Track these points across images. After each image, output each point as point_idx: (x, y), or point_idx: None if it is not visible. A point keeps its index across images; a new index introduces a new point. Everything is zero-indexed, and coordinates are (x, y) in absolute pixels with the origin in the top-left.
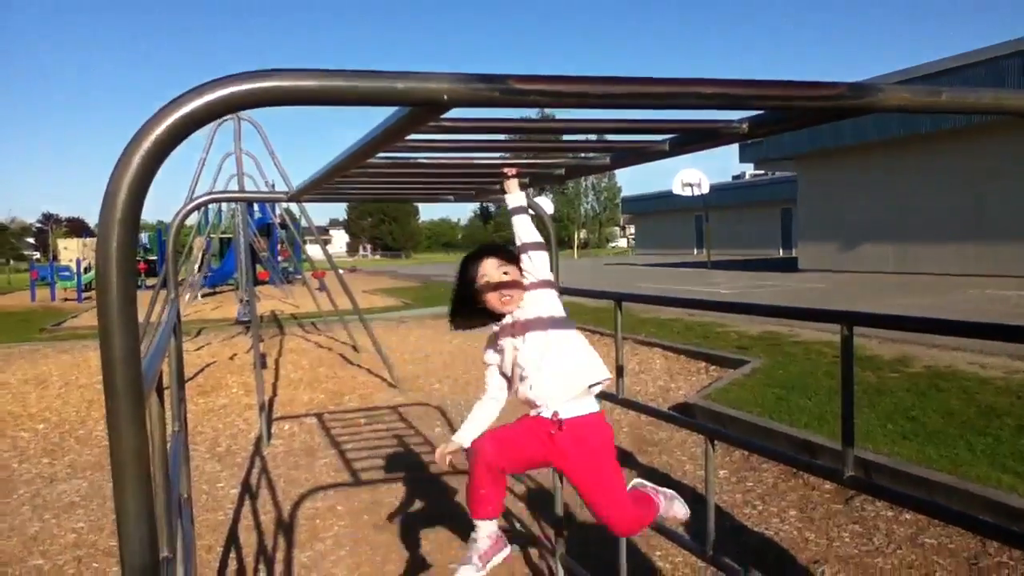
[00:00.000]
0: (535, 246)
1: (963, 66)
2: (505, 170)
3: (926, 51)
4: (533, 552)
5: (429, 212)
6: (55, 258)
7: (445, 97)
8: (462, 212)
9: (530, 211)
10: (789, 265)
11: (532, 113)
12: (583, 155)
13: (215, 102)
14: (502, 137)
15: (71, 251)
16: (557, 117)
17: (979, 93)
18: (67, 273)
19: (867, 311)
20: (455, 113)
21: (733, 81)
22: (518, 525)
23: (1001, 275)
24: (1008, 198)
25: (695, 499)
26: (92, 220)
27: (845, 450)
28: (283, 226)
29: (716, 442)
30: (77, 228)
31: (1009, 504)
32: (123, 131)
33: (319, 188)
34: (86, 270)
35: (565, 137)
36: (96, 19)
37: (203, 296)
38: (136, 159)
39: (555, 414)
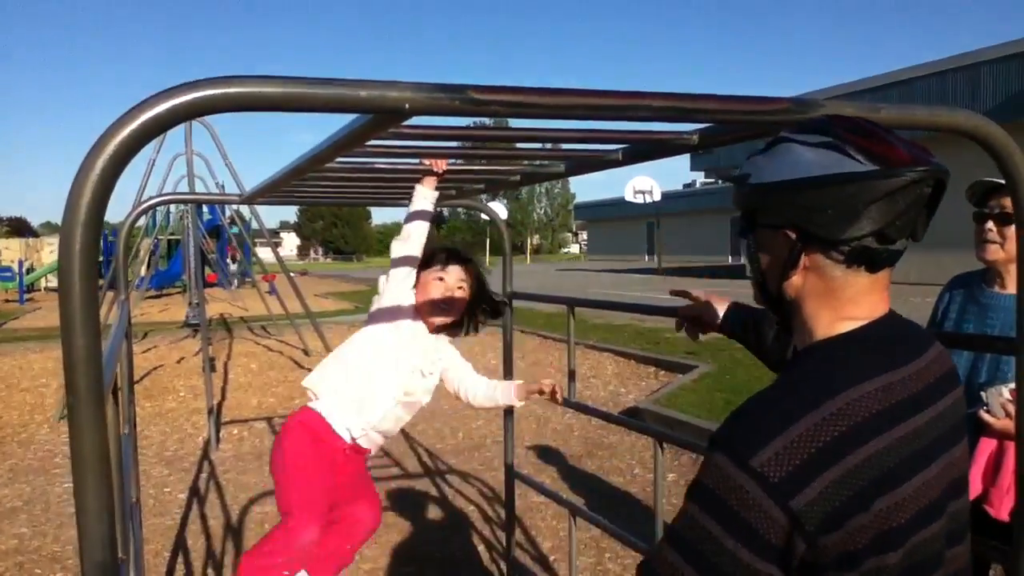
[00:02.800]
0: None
1: (912, 79)
2: (434, 164)
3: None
4: (484, 555)
5: (381, 215)
6: None
7: (407, 106)
8: None
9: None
10: (738, 272)
11: (488, 120)
12: (538, 163)
13: (180, 107)
14: (458, 144)
15: (12, 251)
16: (514, 126)
17: (915, 110)
18: (8, 274)
19: None
20: (414, 120)
21: (682, 95)
22: (471, 531)
23: (942, 284)
24: (949, 208)
25: (645, 502)
26: (35, 220)
27: None
28: (232, 223)
29: (664, 445)
30: (19, 228)
31: None
32: (66, 131)
33: (275, 191)
34: (28, 271)
35: (521, 145)
36: (36, 17)
37: (148, 298)
38: (100, 162)
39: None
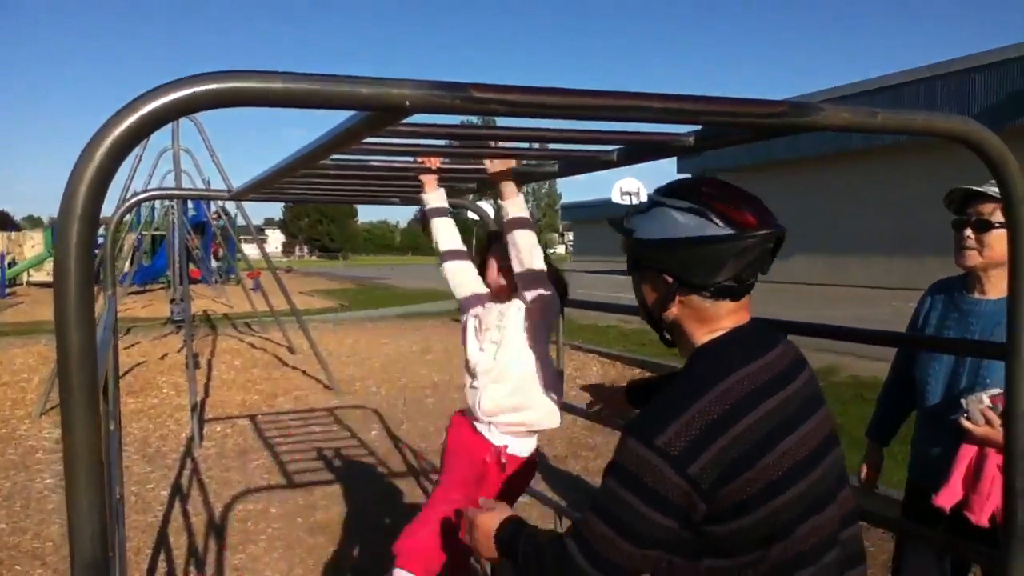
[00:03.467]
0: (458, 254)
1: (901, 84)
2: (430, 163)
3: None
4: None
5: (368, 214)
6: None
7: (407, 103)
8: (401, 214)
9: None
10: None
11: (475, 119)
12: (532, 162)
13: (179, 101)
14: (451, 142)
15: None
16: (508, 124)
17: (912, 115)
18: None
19: (783, 319)
20: (408, 118)
21: (682, 97)
22: None
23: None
24: (933, 213)
25: None
26: (18, 214)
27: None
28: (219, 218)
29: None
30: (1, 222)
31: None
32: (50, 126)
33: (264, 188)
34: (10, 265)
35: (514, 144)
36: (34, 12)
37: (131, 294)
38: (98, 156)
39: (504, 447)
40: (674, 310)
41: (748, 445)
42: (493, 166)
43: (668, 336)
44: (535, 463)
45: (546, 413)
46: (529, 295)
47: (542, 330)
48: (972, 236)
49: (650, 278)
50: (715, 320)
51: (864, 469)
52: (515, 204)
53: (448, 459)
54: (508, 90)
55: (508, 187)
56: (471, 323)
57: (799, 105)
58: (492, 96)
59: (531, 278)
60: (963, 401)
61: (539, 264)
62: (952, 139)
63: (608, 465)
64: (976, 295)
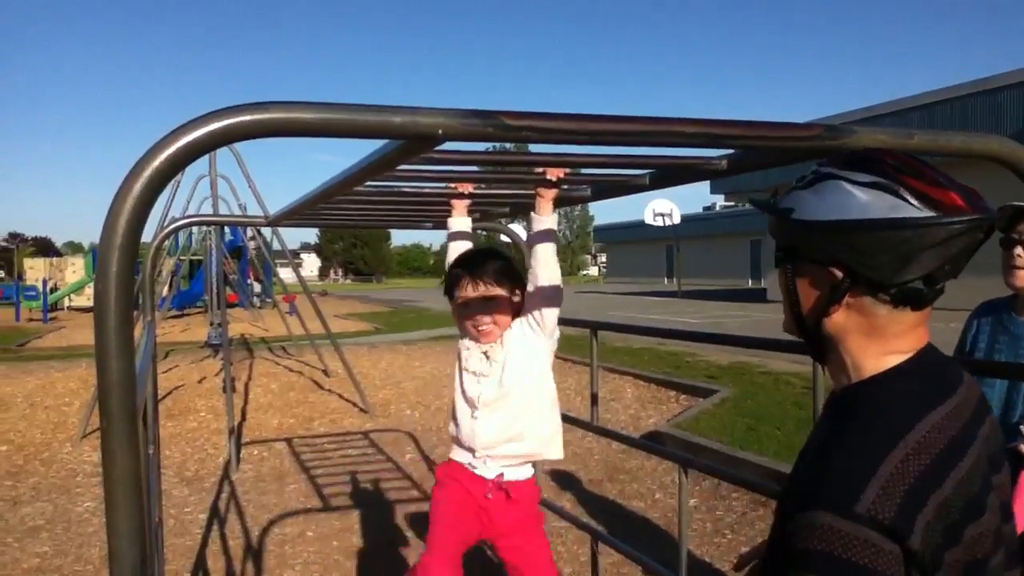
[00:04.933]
0: (554, 290)
1: (933, 103)
2: (462, 188)
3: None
4: None
5: (401, 237)
6: (20, 278)
7: (440, 131)
8: (435, 237)
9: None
10: (758, 296)
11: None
12: (566, 187)
13: (216, 132)
14: (484, 169)
15: (37, 271)
16: (541, 151)
17: (949, 136)
18: (33, 293)
19: None
20: (443, 145)
21: (714, 121)
22: None
23: (963, 308)
24: None
25: (667, 528)
26: (59, 240)
27: None
28: (254, 242)
29: (688, 471)
30: (44, 248)
31: None
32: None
33: (300, 214)
34: (52, 290)
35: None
36: (71, 39)
37: (170, 318)
38: (137, 187)
39: (499, 476)
40: (838, 317)
41: (957, 513)
42: (548, 195)
43: (821, 352)
44: (537, 486)
45: (546, 443)
46: (536, 314)
47: (546, 354)
48: (1023, 255)
49: (809, 272)
50: (890, 337)
51: None
52: (550, 220)
53: (440, 510)
54: (540, 117)
55: (548, 206)
56: (475, 351)
57: (833, 128)
58: (524, 124)
59: (543, 295)
60: (1022, 428)
61: (556, 280)
62: (989, 159)
63: (792, 557)
64: None
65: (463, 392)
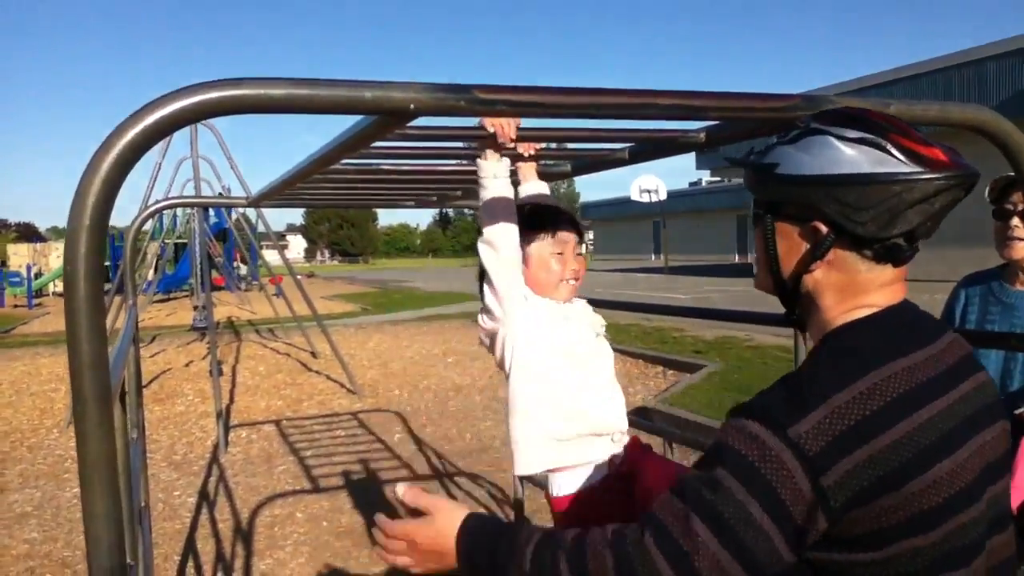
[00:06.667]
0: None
1: (918, 75)
2: (499, 129)
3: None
4: None
5: (388, 217)
6: (4, 264)
7: (412, 106)
8: (421, 217)
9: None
10: (745, 271)
11: None
12: (545, 162)
13: (184, 110)
14: (463, 144)
15: (21, 256)
16: (525, 126)
17: (926, 105)
18: (17, 279)
19: None
20: (419, 120)
21: (690, 93)
22: None
23: (949, 280)
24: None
25: None
26: (42, 225)
27: None
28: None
29: (674, 445)
30: (27, 233)
31: None
32: (74, 137)
33: (280, 194)
34: (36, 276)
35: None
36: (53, 23)
37: (156, 302)
38: (105, 166)
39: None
40: (818, 272)
41: (897, 463)
42: (525, 167)
43: (797, 311)
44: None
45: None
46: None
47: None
48: (1020, 225)
49: (792, 228)
50: (865, 292)
51: None
52: (538, 185)
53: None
54: (513, 90)
55: (530, 170)
56: (560, 309)
57: (811, 98)
58: (497, 97)
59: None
60: None
61: None
62: (968, 128)
63: (713, 448)
64: (1019, 287)
65: (577, 358)
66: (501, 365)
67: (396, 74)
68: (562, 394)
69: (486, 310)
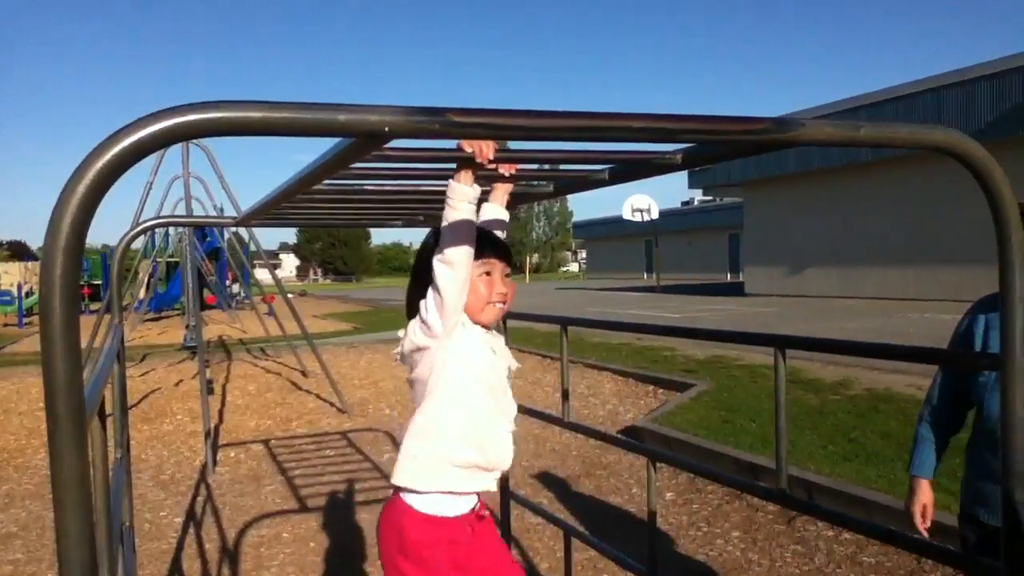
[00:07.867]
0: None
1: (881, 101)
2: (476, 150)
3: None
4: None
5: (381, 236)
6: None
7: (387, 129)
8: (414, 236)
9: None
10: (736, 290)
11: None
12: (528, 183)
13: (160, 132)
14: (447, 165)
15: (12, 275)
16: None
17: (895, 128)
18: (7, 297)
19: (802, 335)
20: (401, 142)
21: (661, 116)
22: None
23: (940, 299)
24: (945, 224)
25: (645, 522)
26: (34, 244)
27: (779, 469)
28: (233, 246)
29: (660, 465)
30: (18, 252)
31: (942, 523)
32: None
33: (266, 214)
34: (27, 295)
35: None
36: (42, 41)
37: (147, 321)
38: (81, 188)
39: (480, 502)
40: None
41: None
42: (502, 188)
43: None
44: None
45: None
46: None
47: None
48: None
49: None
50: None
51: (921, 510)
52: (499, 211)
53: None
54: (487, 113)
55: (503, 193)
56: (480, 335)
57: (781, 121)
58: (471, 120)
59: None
60: None
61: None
62: (936, 150)
63: None
64: None
65: (495, 391)
66: (417, 381)
67: (393, 98)
68: (476, 422)
69: (425, 324)
